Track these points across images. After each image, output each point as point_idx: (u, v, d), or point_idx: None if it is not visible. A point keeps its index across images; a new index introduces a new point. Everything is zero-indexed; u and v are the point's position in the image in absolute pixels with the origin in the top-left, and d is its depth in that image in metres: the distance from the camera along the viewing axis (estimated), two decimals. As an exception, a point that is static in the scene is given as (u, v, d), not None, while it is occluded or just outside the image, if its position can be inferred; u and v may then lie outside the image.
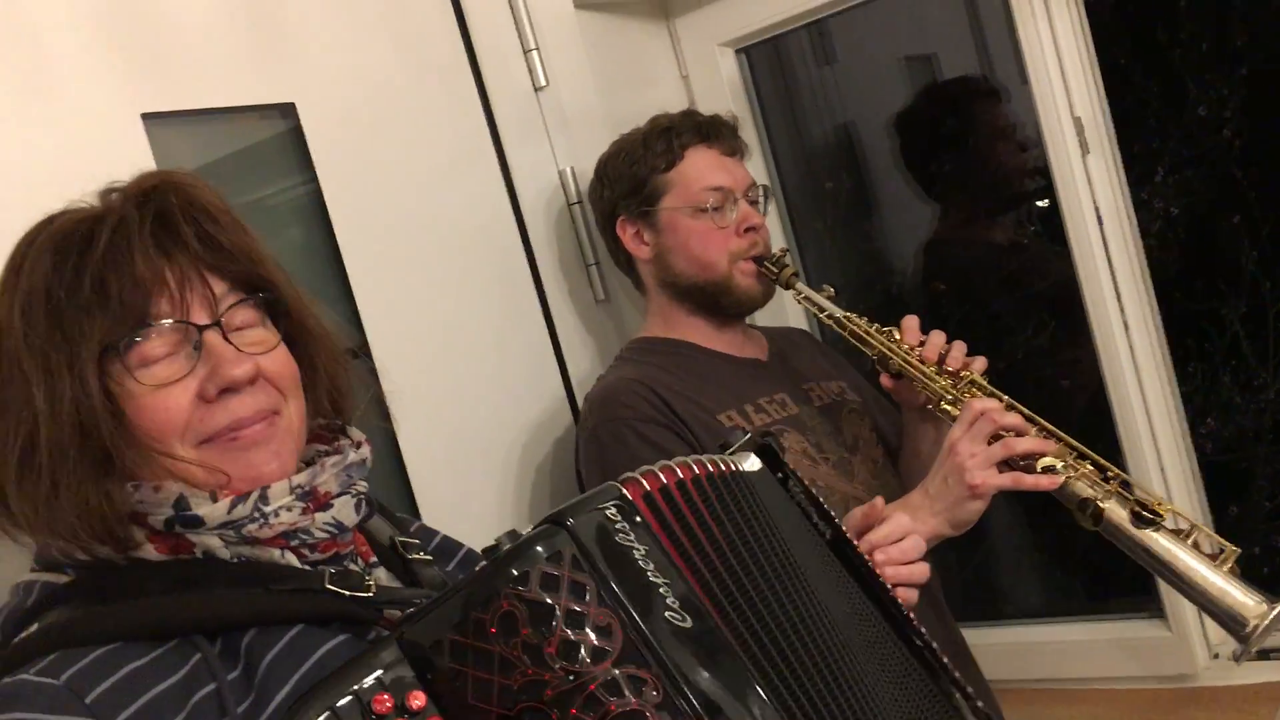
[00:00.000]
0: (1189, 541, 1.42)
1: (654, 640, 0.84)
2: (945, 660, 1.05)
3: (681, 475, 0.96)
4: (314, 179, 1.66)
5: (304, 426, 1.03)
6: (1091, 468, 1.48)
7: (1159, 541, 1.42)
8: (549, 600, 0.81)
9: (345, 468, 1.02)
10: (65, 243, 0.94)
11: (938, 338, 1.61)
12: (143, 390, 0.93)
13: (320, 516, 0.98)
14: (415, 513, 1.66)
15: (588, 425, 1.65)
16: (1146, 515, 1.42)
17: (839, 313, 1.67)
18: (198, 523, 0.93)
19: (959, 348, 1.59)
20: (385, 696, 0.80)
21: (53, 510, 0.91)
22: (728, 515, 0.97)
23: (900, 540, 1.28)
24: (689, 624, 0.87)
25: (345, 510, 1.00)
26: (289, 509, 0.95)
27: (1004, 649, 1.72)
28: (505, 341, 1.87)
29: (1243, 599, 1.38)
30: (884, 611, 1.06)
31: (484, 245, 1.87)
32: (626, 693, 0.80)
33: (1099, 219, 1.79)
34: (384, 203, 1.73)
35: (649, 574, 0.89)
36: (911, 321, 1.64)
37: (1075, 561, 2.08)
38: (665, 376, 1.66)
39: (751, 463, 1.07)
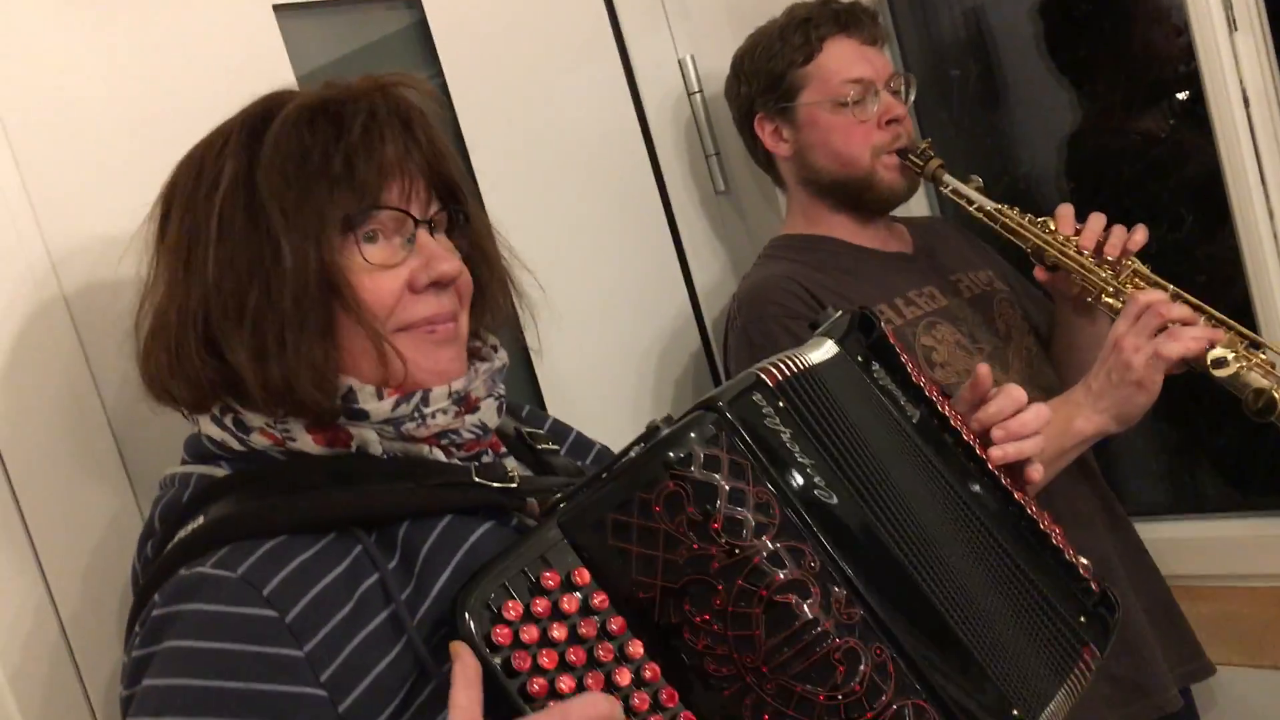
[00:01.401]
0: None
1: (807, 515, 0.88)
2: (1045, 530, 1.06)
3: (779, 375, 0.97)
4: (440, 73, 1.66)
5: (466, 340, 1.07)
6: (1265, 356, 1.42)
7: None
8: (712, 480, 0.84)
9: (492, 374, 1.07)
10: (317, 119, 0.97)
11: (1096, 223, 1.55)
12: (365, 267, 0.97)
13: (469, 419, 1.02)
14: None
15: (737, 323, 1.63)
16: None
17: (990, 205, 1.62)
18: (362, 416, 0.97)
19: (1118, 233, 1.53)
20: (549, 573, 0.83)
21: (282, 361, 0.93)
22: (812, 409, 0.98)
23: (1020, 413, 1.12)
24: (835, 500, 0.91)
25: (489, 413, 1.05)
26: (445, 411, 1.00)
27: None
28: (626, 234, 1.87)
29: None
30: (971, 490, 1.06)
31: (605, 136, 1.86)
32: (788, 564, 0.84)
33: (1245, 100, 1.70)
34: (506, 94, 1.74)
35: (796, 455, 0.92)
36: (1066, 210, 1.58)
37: (1211, 459, 2.03)
38: (813, 273, 1.64)
39: (823, 351, 1.05)
